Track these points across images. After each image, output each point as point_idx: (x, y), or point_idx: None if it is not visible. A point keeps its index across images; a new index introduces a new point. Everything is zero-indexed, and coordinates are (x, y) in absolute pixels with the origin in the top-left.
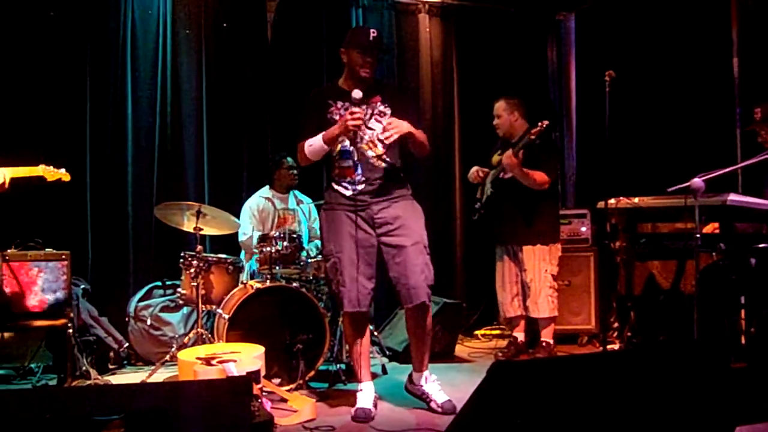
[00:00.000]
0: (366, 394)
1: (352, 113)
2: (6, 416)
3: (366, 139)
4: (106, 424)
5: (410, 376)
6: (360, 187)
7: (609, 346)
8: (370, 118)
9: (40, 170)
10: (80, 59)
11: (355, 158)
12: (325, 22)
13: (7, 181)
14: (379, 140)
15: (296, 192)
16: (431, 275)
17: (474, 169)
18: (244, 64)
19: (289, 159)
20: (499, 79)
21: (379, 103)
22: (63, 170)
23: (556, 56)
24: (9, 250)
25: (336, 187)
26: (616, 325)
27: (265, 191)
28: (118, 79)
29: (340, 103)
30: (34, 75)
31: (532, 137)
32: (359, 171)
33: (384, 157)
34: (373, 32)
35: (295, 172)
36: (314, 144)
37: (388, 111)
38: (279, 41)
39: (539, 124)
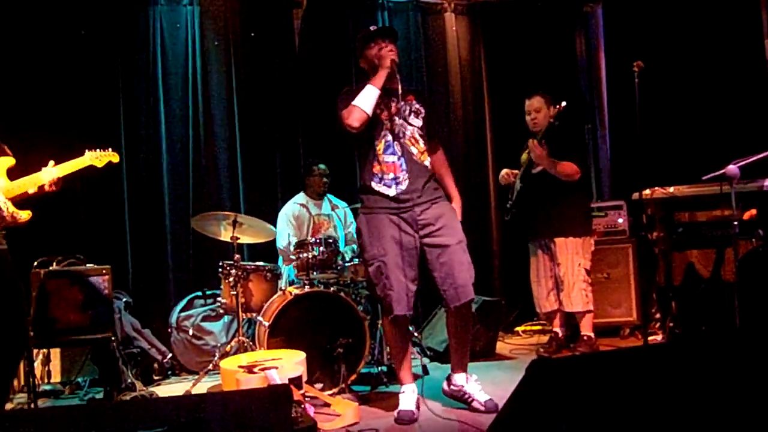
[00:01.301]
0: (408, 396)
1: (384, 49)
2: None
3: (408, 135)
4: None
5: (449, 378)
6: (403, 186)
7: (651, 338)
8: (409, 115)
9: (88, 159)
10: (112, 75)
11: (399, 153)
12: (351, 26)
13: (60, 178)
14: (420, 136)
15: (331, 196)
16: (474, 273)
17: (504, 171)
18: (273, 72)
19: (321, 165)
20: (529, 75)
21: (414, 102)
22: (110, 150)
23: (585, 48)
24: (52, 267)
25: (377, 187)
26: (657, 316)
27: (300, 197)
28: (150, 93)
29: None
30: (68, 94)
31: (551, 119)
32: (404, 167)
33: (426, 153)
34: (373, 27)
35: (326, 179)
36: (362, 95)
37: (423, 110)
38: (306, 48)
39: (557, 105)
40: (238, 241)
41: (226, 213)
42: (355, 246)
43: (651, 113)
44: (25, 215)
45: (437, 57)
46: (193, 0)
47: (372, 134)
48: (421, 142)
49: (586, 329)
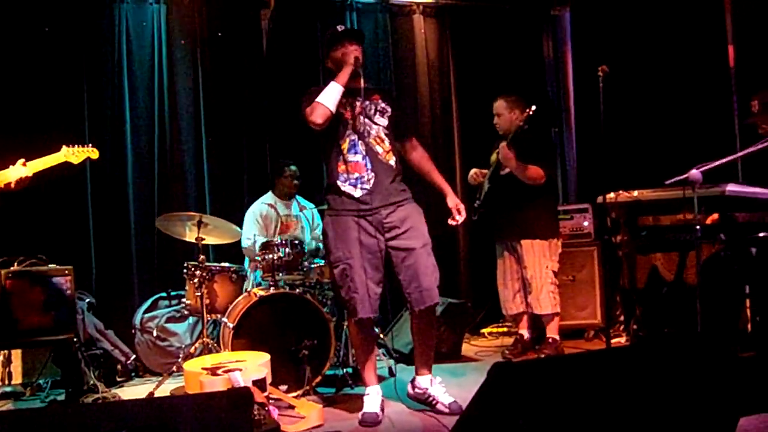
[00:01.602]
0: (373, 399)
1: (349, 48)
2: None
3: (373, 134)
4: None
5: (413, 381)
6: (368, 185)
7: (615, 340)
8: (374, 114)
9: (63, 155)
10: (76, 73)
11: (364, 152)
12: (319, 27)
13: (28, 176)
14: (386, 135)
15: (299, 198)
16: (438, 276)
17: (473, 171)
18: (240, 71)
19: (292, 167)
20: (496, 77)
21: (380, 101)
22: (90, 146)
23: (553, 52)
24: (13, 267)
25: (343, 187)
26: (621, 318)
27: (268, 197)
28: (115, 91)
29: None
30: (32, 92)
31: (520, 123)
32: (369, 166)
33: (391, 152)
34: (340, 27)
35: (297, 181)
36: (325, 92)
37: (390, 109)
38: (274, 48)
39: (527, 110)
40: (203, 242)
41: (191, 213)
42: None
43: (616, 117)
44: None
45: (405, 58)
46: None
47: (336, 133)
48: (386, 141)
49: (552, 332)
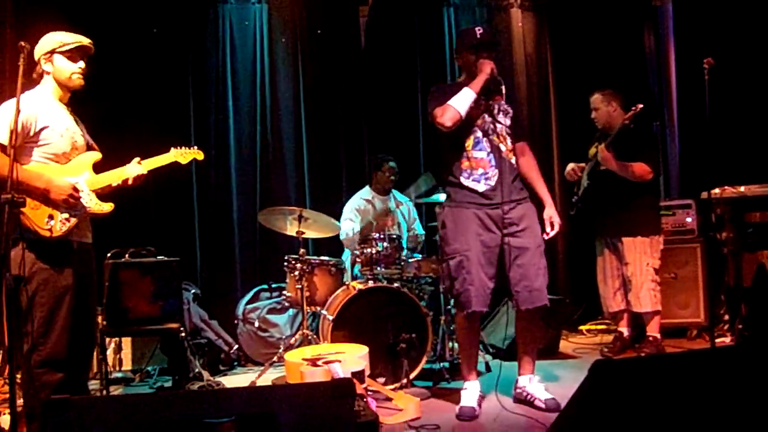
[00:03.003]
0: (471, 393)
1: (486, 61)
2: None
3: (497, 132)
4: (218, 426)
5: (516, 382)
6: (492, 182)
7: (719, 340)
8: (498, 113)
9: (173, 155)
10: (182, 72)
11: (489, 149)
12: (417, 22)
13: (143, 174)
14: (508, 134)
15: (395, 192)
16: (547, 279)
17: (570, 166)
18: (339, 68)
19: (390, 163)
20: (596, 70)
21: (502, 101)
22: (195, 148)
23: (654, 44)
24: (124, 259)
25: (465, 182)
26: (726, 318)
27: (366, 192)
28: (219, 88)
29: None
30: (141, 91)
31: (626, 122)
32: (493, 163)
33: (512, 152)
34: (479, 29)
35: (394, 177)
36: (459, 96)
37: (511, 110)
38: (372, 44)
39: (633, 108)
40: (303, 236)
41: (292, 208)
42: (419, 239)
43: (721, 111)
44: (107, 207)
45: (503, 53)
46: None
47: (462, 130)
48: (508, 140)
49: (653, 330)
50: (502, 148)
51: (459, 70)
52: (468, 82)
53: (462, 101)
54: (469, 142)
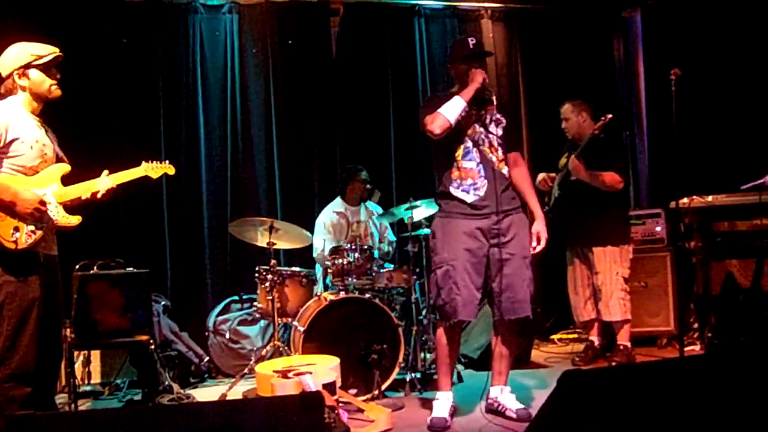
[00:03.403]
0: (443, 403)
1: (477, 71)
2: None
3: (488, 143)
4: None
5: (487, 393)
6: (481, 192)
7: (689, 348)
8: (490, 123)
9: (143, 170)
10: (153, 83)
11: (478, 159)
12: (388, 33)
13: (113, 187)
14: (499, 145)
15: (368, 203)
16: (533, 290)
17: (541, 176)
18: (311, 78)
19: (363, 173)
20: (566, 80)
21: (495, 111)
22: (167, 162)
23: (624, 54)
24: (92, 271)
25: (455, 192)
26: (695, 326)
27: (337, 204)
28: (189, 99)
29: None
30: (110, 101)
31: (596, 131)
32: (482, 173)
33: (504, 162)
34: (472, 40)
35: (368, 186)
36: (449, 105)
37: (504, 120)
38: (343, 54)
39: (602, 118)
40: (275, 247)
41: (263, 219)
42: (390, 248)
43: (690, 121)
44: (75, 220)
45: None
46: (232, 8)
47: (452, 140)
48: (500, 150)
49: (623, 339)
50: (493, 158)
51: (451, 80)
52: (460, 91)
53: (452, 109)
54: (459, 152)
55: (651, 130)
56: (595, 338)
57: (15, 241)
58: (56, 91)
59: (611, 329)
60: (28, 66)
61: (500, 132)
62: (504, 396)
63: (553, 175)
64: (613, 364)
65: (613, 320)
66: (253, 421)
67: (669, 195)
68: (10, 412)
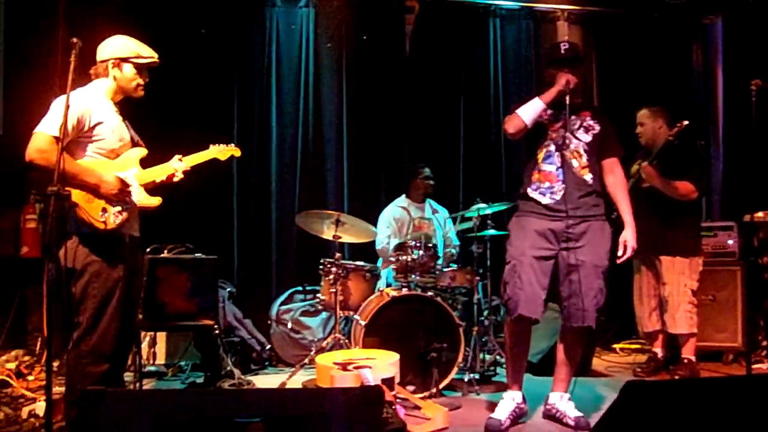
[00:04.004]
0: (506, 404)
1: (563, 74)
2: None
3: (572, 148)
4: (247, 425)
5: (547, 398)
6: (557, 196)
7: (756, 366)
8: (578, 129)
9: (213, 152)
10: (228, 73)
11: (559, 164)
12: (462, 32)
13: (188, 169)
14: (585, 151)
15: (432, 201)
16: (602, 301)
17: None
18: (383, 75)
19: (426, 169)
20: (642, 86)
21: (588, 118)
22: (232, 145)
23: (702, 61)
24: (163, 255)
25: (531, 194)
26: (764, 343)
27: (402, 200)
28: (263, 91)
29: (548, 111)
30: (186, 89)
31: (670, 138)
32: (561, 177)
33: (588, 169)
34: (564, 45)
35: (431, 182)
36: (528, 105)
37: (598, 127)
38: (417, 52)
39: (677, 124)
40: (340, 240)
41: (330, 212)
42: (454, 251)
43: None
44: (156, 201)
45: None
46: (309, 2)
47: (538, 143)
48: (584, 157)
49: (688, 352)
50: (575, 163)
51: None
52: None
53: (528, 111)
54: (541, 155)
55: (727, 141)
56: (658, 350)
57: (104, 221)
58: (140, 92)
59: (676, 342)
60: (126, 60)
61: (589, 138)
62: (563, 403)
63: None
64: (676, 377)
65: (678, 333)
66: (314, 411)
67: (743, 208)
68: (85, 386)
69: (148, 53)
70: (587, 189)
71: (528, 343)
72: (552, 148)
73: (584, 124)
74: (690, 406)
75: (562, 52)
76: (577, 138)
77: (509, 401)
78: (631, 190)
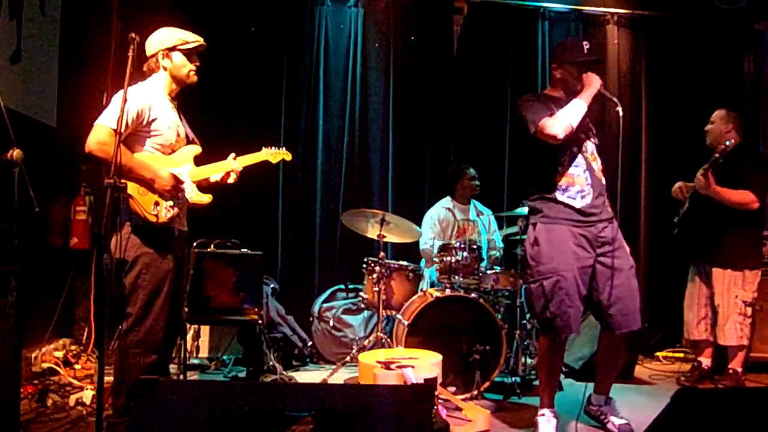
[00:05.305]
0: (548, 420)
1: (594, 75)
2: (211, 404)
3: (590, 150)
4: (298, 419)
5: (590, 396)
6: (588, 200)
7: None
8: (589, 131)
9: (264, 155)
10: (277, 71)
11: (585, 167)
12: (511, 34)
13: (240, 169)
14: (598, 154)
15: (476, 203)
16: (639, 301)
17: (677, 185)
18: (430, 75)
19: (471, 170)
20: (691, 91)
21: (589, 122)
22: (284, 149)
23: (754, 68)
24: (209, 249)
25: (561, 197)
26: None
27: (447, 201)
28: (311, 89)
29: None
30: (235, 87)
31: (717, 156)
32: (588, 180)
33: (603, 171)
34: (586, 44)
35: (477, 183)
36: (571, 107)
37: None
38: (464, 54)
39: (724, 144)
40: (384, 240)
41: (375, 211)
42: (498, 253)
43: None
44: (207, 198)
45: (596, 68)
46: (358, 2)
47: (560, 145)
48: (599, 159)
49: (736, 364)
50: (595, 166)
51: (549, 79)
52: (563, 95)
53: (574, 113)
54: (566, 158)
55: None
56: (704, 359)
57: (156, 215)
58: (194, 77)
59: (724, 352)
60: (173, 48)
61: (597, 141)
62: (609, 407)
63: (691, 185)
64: (720, 387)
65: (727, 344)
66: (364, 406)
67: None
68: (135, 376)
69: (193, 38)
70: (605, 191)
71: (563, 358)
72: (575, 150)
73: (590, 127)
74: (742, 415)
75: (585, 52)
76: (591, 140)
77: (551, 418)
78: (692, 196)
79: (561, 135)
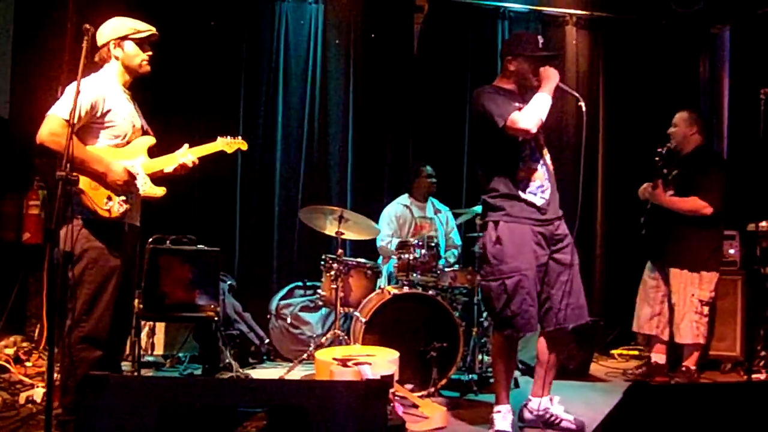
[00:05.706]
0: (504, 416)
1: (550, 68)
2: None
3: (542, 143)
4: (251, 416)
5: (526, 405)
6: (546, 195)
7: (754, 376)
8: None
9: (220, 144)
10: (236, 66)
11: (542, 161)
12: (471, 33)
13: (196, 160)
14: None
15: (434, 200)
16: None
17: (644, 185)
18: (390, 73)
19: (428, 168)
20: (647, 92)
21: None
22: (239, 138)
23: (709, 70)
24: (166, 245)
25: (523, 195)
26: (763, 353)
27: (404, 199)
28: (270, 85)
29: (516, 104)
30: (193, 80)
31: (656, 159)
32: (546, 175)
33: (552, 164)
34: (540, 38)
35: (434, 180)
36: (539, 100)
37: None
38: (424, 52)
39: (658, 149)
40: (342, 237)
41: (333, 207)
42: (456, 251)
43: None
44: (160, 191)
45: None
46: None
47: (518, 140)
48: (548, 153)
49: (690, 362)
50: (547, 160)
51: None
52: (515, 88)
53: (542, 107)
54: (527, 153)
55: (731, 150)
56: (656, 356)
57: (108, 210)
58: (146, 67)
59: (678, 350)
60: (125, 38)
61: (542, 134)
62: (556, 407)
63: None
64: (672, 383)
65: (683, 342)
66: (317, 402)
67: (746, 217)
68: (81, 373)
69: (145, 27)
70: (555, 185)
71: (516, 354)
72: (533, 144)
73: None
74: (694, 410)
75: (540, 46)
76: (541, 134)
77: (506, 413)
78: (651, 203)
79: (534, 129)
